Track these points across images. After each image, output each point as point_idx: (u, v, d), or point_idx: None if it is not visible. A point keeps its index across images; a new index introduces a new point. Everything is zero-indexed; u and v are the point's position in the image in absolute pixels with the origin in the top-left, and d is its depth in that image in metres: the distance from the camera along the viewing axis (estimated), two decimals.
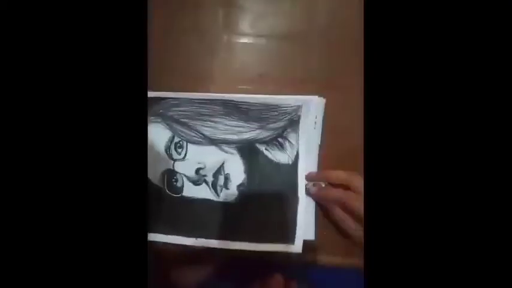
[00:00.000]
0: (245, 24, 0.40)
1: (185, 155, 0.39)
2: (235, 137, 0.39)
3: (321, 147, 0.38)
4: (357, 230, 0.34)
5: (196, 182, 0.39)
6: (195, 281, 0.47)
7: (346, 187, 0.35)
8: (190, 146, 0.39)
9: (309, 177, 0.38)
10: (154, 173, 0.38)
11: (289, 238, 0.37)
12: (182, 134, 0.39)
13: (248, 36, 0.40)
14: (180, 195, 0.38)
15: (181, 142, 0.39)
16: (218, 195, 0.38)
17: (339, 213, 0.35)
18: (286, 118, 0.38)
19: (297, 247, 0.37)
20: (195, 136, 0.39)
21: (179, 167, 0.39)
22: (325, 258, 0.39)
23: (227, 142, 0.39)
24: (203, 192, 0.38)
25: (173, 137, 0.39)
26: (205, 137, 0.39)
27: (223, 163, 0.39)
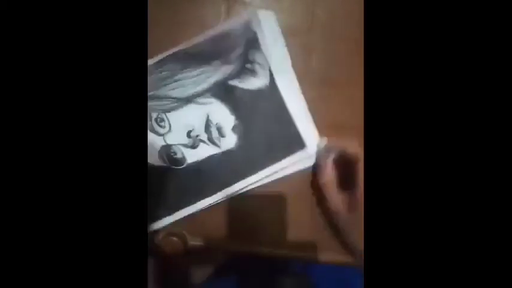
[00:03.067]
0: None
1: (170, 125, 0.38)
2: (205, 85, 0.37)
3: (295, 68, 0.36)
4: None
5: (193, 146, 0.38)
6: (196, 280, 0.50)
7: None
8: (169, 115, 0.38)
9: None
10: (152, 157, 0.38)
11: (300, 144, 0.37)
12: (155, 107, 0.37)
13: None
14: (185, 164, 0.38)
15: (159, 115, 0.38)
16: (219, 146, 0.38)
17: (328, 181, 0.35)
18: (243, 40, 0.35)
19: (311, 148, 0.37)
20: (167, 103, 0.37)
21: (170, 138, 0.38)
22: (325, 256, 0.40)
23: (200, 94, 0.37)
24: (204, 151, 0.38)
25: (149, 114, 0.38)
26: (177, 99, 0.37)
27: (208, 116, 0.37)
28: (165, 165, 0.38)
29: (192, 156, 0.38)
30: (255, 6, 0.36)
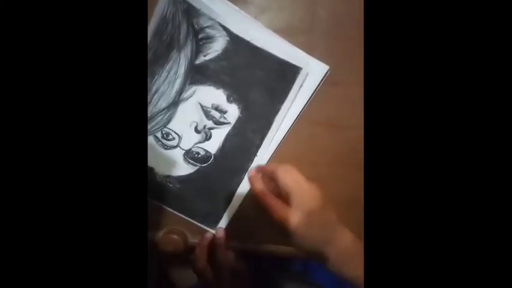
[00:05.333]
0: None
1: (176, 133, 0.38)
2: (179, 80, 0.36)
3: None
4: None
5: (207, 137, 0.38)
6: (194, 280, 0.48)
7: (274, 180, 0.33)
8: (170, 125, 0.38)
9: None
10: (182, 168, 0.39)
11: (294, 72, 0.36)
12: (155, 126, 0.38)
13: None
14: (212, 157, 0.39)
15: (163, 131, 0.38)
16: (229, 122, 0.37)
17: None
18: (179, 15, 0.34)
19: (306, 68, 0.35)
20: (161, 117, 0.37)
21: (185, 144, 0.38)
22: None
23: (181, 90, 0.36)
24: (220, 135, 0.38)
25: (154, 136, 0.38)
26: (167, 108, 0.37)
27: (200, 104, 0.37)
28: (196, 168, 0.39)
29: (213, 146, 0.38)
30: (256, 5, 0.34)
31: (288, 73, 0.35)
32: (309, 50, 0.35)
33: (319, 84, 0.36)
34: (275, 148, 0.38)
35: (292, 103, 0.36)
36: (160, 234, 0.40)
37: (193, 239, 0.41)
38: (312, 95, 0.36)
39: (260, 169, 0.36)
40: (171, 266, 0.52)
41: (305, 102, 0.36)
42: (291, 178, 0.32)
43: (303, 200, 0.31)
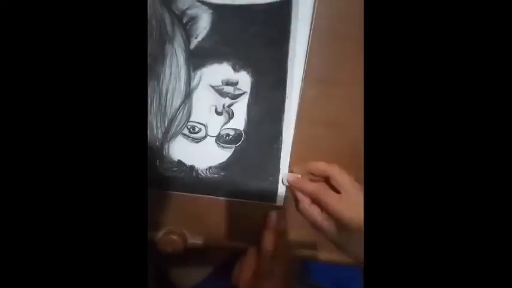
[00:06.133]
0: None
1: (201, 124, 0.38)
2: (182, 71, 0.36)
3: None
4: (326, 224, 0.34)
5: (230, 116, 0.38)
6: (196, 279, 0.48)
7: (325, 179, 0.35)
8: (192, 117, 0.38)
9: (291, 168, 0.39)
10: (217, 156, 0.39)
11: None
12: (180, 125, 0.38)
13: None
14: (243, 135, 0.38)
15: (187, 126, 0.38)
16: (246, 90, 0.37)
17: (304, 206, 0.36)
18: (157, 15, 0.34)
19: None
20: (180, 112, 0.38)
21: (212, 131, 0.38)
22: (324, 255, 0.41)
23: (188, 81, 0.37)
24: (241, 108, 0.37)
25: (183, 134, 0.38)
26: (181, 104, 0.37)
27: (212, 86, 0.37)
28: (232, 150, 0.39)
29: (239, 122, 0.38)
30: None
31: (278, 15, 0.34)
32: (309, 50, 0.35)
33: (313, 11, 0.34)
34: (299, 92, 0.37)
35: (295, 40, 0.35)
36: (160, 234, 0.41)
37: (192, 240, 0.41)
38: (312, 24, 0.35)
39: (305, 169, 0.37)
40: (171, 266, 0.52)
41: (308, 33, 0.35)
42: (347, 178, 0.35)
43: (356, 198, 0.34)
